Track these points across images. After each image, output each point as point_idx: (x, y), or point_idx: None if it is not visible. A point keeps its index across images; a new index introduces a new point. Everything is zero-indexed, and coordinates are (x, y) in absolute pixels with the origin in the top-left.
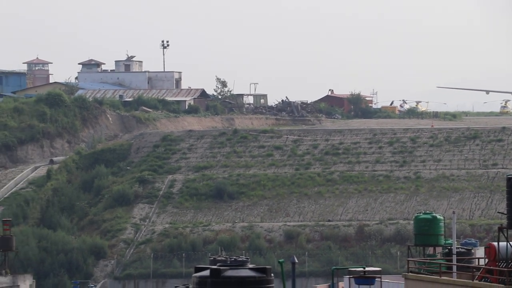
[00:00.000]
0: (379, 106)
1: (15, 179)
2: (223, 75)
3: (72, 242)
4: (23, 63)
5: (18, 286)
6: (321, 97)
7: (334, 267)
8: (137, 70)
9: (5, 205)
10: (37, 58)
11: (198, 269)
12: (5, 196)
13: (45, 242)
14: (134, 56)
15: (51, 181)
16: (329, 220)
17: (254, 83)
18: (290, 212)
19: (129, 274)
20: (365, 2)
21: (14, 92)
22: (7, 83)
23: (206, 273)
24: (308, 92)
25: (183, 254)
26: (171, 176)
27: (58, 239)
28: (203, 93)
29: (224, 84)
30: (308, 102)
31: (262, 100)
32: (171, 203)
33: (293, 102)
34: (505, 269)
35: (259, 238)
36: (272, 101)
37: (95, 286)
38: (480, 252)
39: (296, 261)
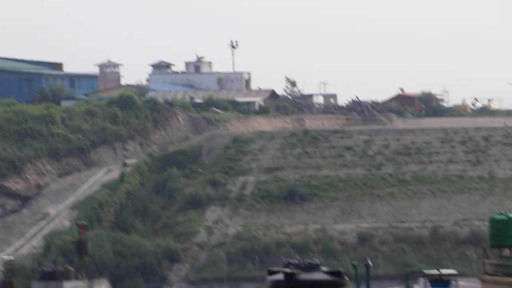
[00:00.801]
0: (450, 105)
1: (88, 182)
2: (293, 75)
3: (146, 245)
4: (95, 65)
5: None
6: (391, 96)
7: (409, 269)
8: (207, 71)
9: (80, 209)
10: (108, 60)
11: (272, 272)
12: (80, 199)
13: (119, 245)
14: (204, 57)
15: (124, 184)
16: (402, 222)
17: (324, 83)
18: (363, 213)
19: (203, 277)
20: (432, 2)
21: (86, 95)
22: (79, 86)
23: (280, 276)
24: (379, 91)
25: (256, 257)
26: (242, 178)
27: (133, 243)
28: (273, 94)
29: (294, 84)
30: (379, 102)
31: (332, 100)
32: (244, 206)
33: (364, 101)
34: None
35: (332, 240)
36: (342, 101)
37: None
38: None
39: (371, 264)
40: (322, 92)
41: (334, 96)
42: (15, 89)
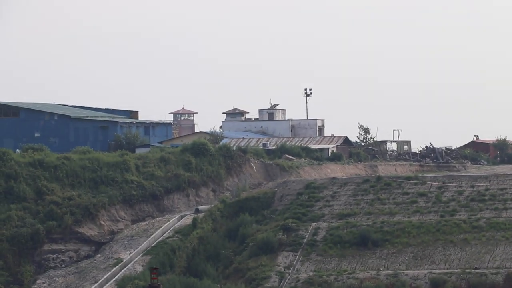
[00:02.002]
0: None
1: (162, 228)
2: (366, 122)
3: None
4: (170, 113)
5: None
6: (465, 143)
7: None
8: (280, 118)
9: (153, 254)
10: (182, 108)
11: None
12: (153, 245)
13: None
14: (278, 105)
15: (196, 229)
16: (476, 268)
17: (398, 130)
18: (436, 259)
19: None
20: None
21: (160, 142)
22: (154, 134)
23: None
24: (453, 138)
25: None
26: (314, 223)
27: None
28: (346, 140)
29: (367, 131)
30: (453, 148)
31: (405, 147)
32: (315, 251)
33: (437, 148)
34: None
35: (404, 286)
36: (416, 147)
37: None
38: None
39: None
40: (396, 138)
41: (408, 143)
42: (91, 137)
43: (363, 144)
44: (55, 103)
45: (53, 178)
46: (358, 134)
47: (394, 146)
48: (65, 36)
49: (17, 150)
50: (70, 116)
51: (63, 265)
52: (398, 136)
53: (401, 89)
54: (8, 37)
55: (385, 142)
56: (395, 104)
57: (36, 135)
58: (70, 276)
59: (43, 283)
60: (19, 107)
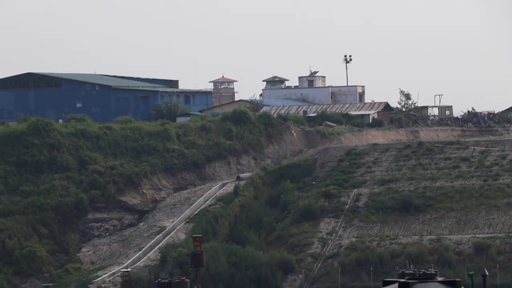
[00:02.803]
0: None
1: (204, 196)
2: (407, 88)
3: (261, 257)
4: (209, 82)
5: None
6: (508, 106)
7: None
8: (320, 86)
9: (195, 222)
10: (222, 76)
11: (387, 283)
12: (195, 213)
13: (234, 257)
14: (317, 72)
15: (238, 197)
16: None
17: (439, 95)
18: (479, 224)
19: None
20: None
21: (201, 111)
22: (194, 103)
23: (395, 286)
24: (495, 102)
25: (371, 268)
26: (356, 190)
27: (247, 255)
28: (386, 106)
29: (408, 96)
30: (495, 112)
31: (447, 112)
32: (357, 217)
33: (480, 112)
34: None
35: (448, 250)
36: (458, 112)
37: None
38: None
39: (487, 273)
40: (437, 104)
41: (449, 108)
42: (132, 107)
43: (404, 110)
44: (96, 73)
45: (95, 147)
46: (399, 100)
47: (435, 112)
48: (105, 4)
49: (60, 120)
50: (111, 86)
51: (107, 234)
52: (440, 101)
53: (442, 54)
54: (48, 5)
55: (426, 107)
56: (436, 69)
57: (78, 105)
58: (114, 244)
59: (88, 251)
60: (61, 78)
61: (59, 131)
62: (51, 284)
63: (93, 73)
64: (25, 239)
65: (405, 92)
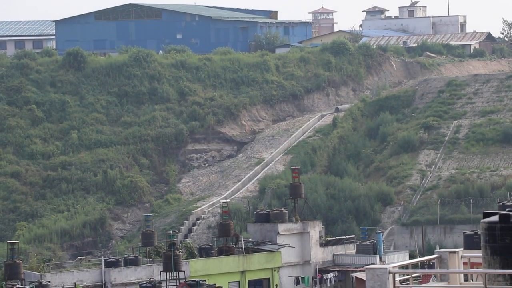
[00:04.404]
0: None
1: (302, 127)
2: (510, 17)
3: (359, 189)
4: (309, 13)
5: (308, 232)
6: None
7: None
8: (421, 16)
9: (294, 153)
10: (322, 7)
11: (487, 215)
12: (293, 144)
13: (332, 189)
14: (418, 2)
15: (337, 129)
16: None
17: None
18: None
19: (416, 220)
20: None
21: (300, 42)
22: (293, 34)
23: (495, 218)
24: None
25: (470, 200)
26: (456, 121)
27: (345, 186)
28: (488, 36)
29: (511, 26)
30: None
31: None
32: (457, 149)
33: None
34: None
35: None
36: None
37: (383, 232)
38: None
39: None
40: None
41: None
42: (231, 38)
43: (506, 39)
44: (196, 4)
45: (195, 79)
46: (501, 30)
47: None
48: None
49: (160, 51)
50: (211, 17)
51: (206, 165)
52: None
53: None
54: None
55: None
56: None
57: (178, 36)
58: (213, 175)
59: (188, 182)
60: (161, 9)
61: (160, 62)
62: (151, 214)
63: (193, 4)
64: (126, 169)
65: (508, 22)
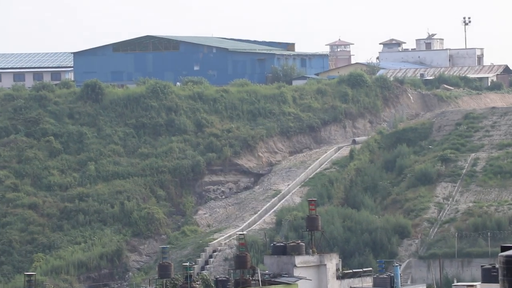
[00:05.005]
0: None
1: (319, 159)
2: None
3: (376, 221)
4: (326, 45)
5: (325, 265)
6: None
7: None
8: (438, 48)
9: (311, 185)
10: (339, 40)
11: (505, 248)
12: (310, 176)
13: (349, 221)
14: (435, 34)
15: (354, 161)
16: None
17: None
18: None
19: (433, 253)
20: None
21: (317, 74)
22: (310, 66)
23: None
24: None
25: (488, 233)
26: (474, 154)
27: (362, 219)
28: (506, 69)
29: None
30: None
31: None
32: (475, 182)
33: None
34: None
35: None
36: None
37: (400, 265)
38: None
39: None
40: None
41: None
42: (248, 70)
43: None
44: (213, 36)
45: (212, 110)
46: None
47: None
48: None
49: (177, 83)
50: (228, 49)
51: (223, 196)
52: None
53: None
54: None
55: None
56: None
57: (195, 68)
58: (230, 207)
59: (204, 213)
60: (179, 41)
61: (177, 93)
62: (168, 246)
63: (211, 35)
64: (143, 201)
65: None
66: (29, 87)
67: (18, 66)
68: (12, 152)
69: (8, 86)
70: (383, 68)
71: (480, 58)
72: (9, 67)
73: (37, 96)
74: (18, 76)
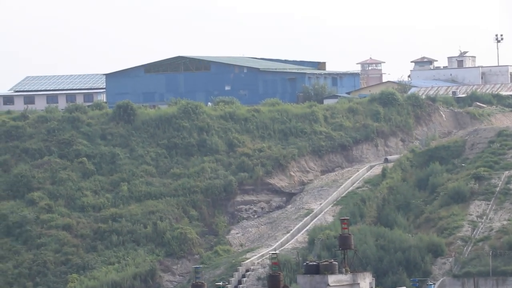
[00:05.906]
0: None
1: (351, 178)
2: None
3: (409, 240)
4: (357, 63)
5: (358, 284)
6: None
7: None
8: (470, 66)
9: (343, 204)
10: (370, 58)
11: None
12: (342, 195)
13: (382, 240)
14: (467, 52)
15: (386, 179)
16: None
17: None
18: None
19: (467, 272)
20: None
21: (348, 93)
22: (341, 84)
23: None
24: None
25: None
26: (507, 172)
27: (395, 237)
28: None
29: None
30: None
31: None
32: (509, 200)
33: None
34: None
35: None
36: None
37: (434, 284)
38: None
39: None
40: None
41: None
42: (279, 89)
43: None
44: (244, 56)
45: (243, 130)
46: None
47: None
48: None
49: (209, 103)
50: (259, 68)
51: (255, 216)
52: None
53: None
54: None
55: None
56: None
57: (227, 88)
58: (262, 226)
59: (237, 233)
60: (210, 61)
61: (208, 114)
62: (201, 266)
63: (242, 55)
64: (176, 221)
65: None
66: (62, 109)
67: (51, 88)
68: (46, 174)
69: (42, 108)
70: (415, 86)
71: None
72: (43, 89)
73: (70, 118)
74: (51, 98)
